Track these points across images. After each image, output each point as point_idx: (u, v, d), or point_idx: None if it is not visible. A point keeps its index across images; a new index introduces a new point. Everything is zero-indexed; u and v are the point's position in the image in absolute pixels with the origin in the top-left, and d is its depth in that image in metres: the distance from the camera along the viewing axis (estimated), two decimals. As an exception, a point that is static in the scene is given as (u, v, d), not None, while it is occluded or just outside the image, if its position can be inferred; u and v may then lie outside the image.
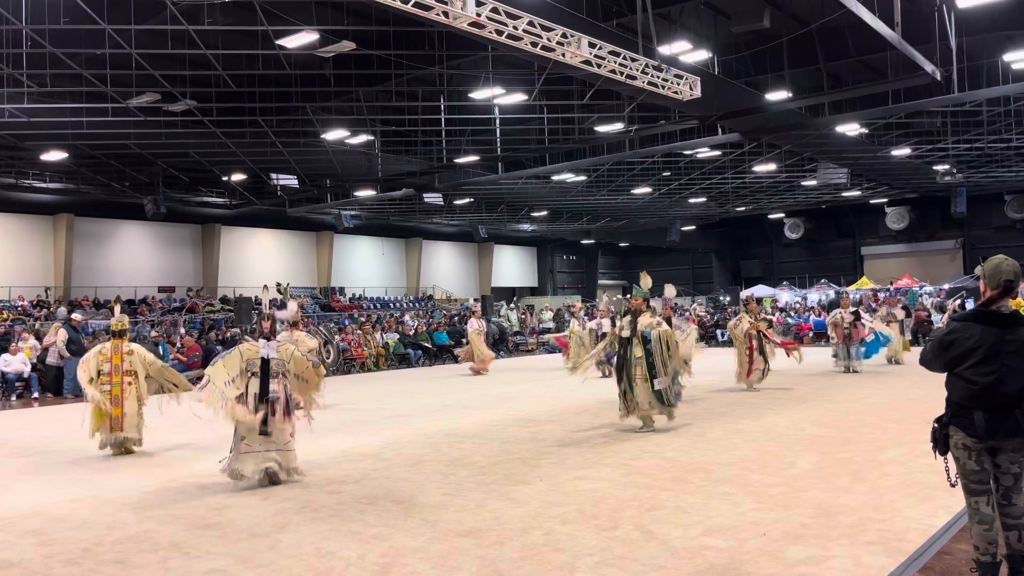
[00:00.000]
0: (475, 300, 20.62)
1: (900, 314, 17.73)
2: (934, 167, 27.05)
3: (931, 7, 14.59)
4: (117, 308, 9.67)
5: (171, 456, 8.70)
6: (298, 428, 7.29)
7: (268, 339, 7.01)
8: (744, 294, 32.56)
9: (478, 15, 9.56)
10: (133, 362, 8.95)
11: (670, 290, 12.41)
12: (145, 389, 9.03)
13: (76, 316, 17.64)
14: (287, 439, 6.99)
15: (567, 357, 18.15)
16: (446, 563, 4.65)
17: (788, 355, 14.14)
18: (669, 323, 11.86)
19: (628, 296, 9.88)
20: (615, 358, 9.67)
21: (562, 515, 5.59)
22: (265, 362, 6.92)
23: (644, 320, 9.35)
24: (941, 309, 19.64)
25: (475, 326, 19.26)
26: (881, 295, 29.91)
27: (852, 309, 16.06)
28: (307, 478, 7.11)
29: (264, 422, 6.79)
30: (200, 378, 17.52)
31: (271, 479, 6.85)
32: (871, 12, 12.57)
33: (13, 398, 15.85)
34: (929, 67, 14.74)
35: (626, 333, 9.37)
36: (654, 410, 9.24)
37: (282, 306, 8.48)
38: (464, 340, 24.58)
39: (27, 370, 16.24)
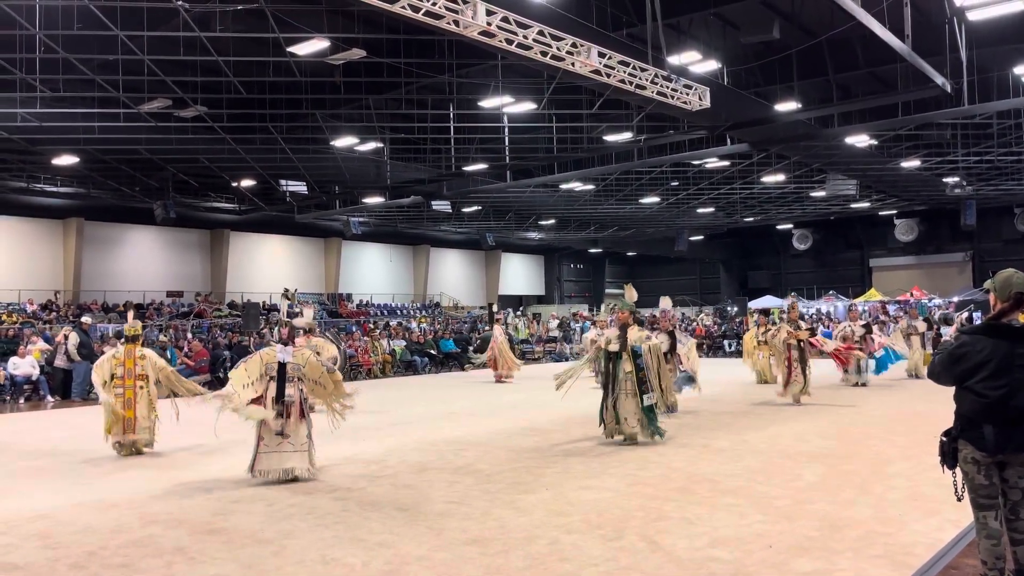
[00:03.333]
0: (497, 307, 20.51)
1: (921, 327, 17.37)
2: (943, 179, 26.97)
3: (942, 19, 14.56)
4: (131, 314, 10.11)
5: (176, 460, 8.72)
6: (315, 430, 7.55)
7: (285, 344, 7.39)
8: (753, 305, 32.47)
9: (488, 24, 9.60)
10: (145, 367, 9.24)
11: (665, 302, 12.26)
12: (155, 393, 9.29)
13: (86, 319, 17.72)
14: (303, 440, 7.29)
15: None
16: (451, 571, 4.65)
17: (843, 364, 13.39)
18: (673, 336, 11.84)
19: (615, 306, 9.50)
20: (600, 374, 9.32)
21: (567, 524, 5.57)
22: (282, 366, 7.26)
23: (634, 334, 9.02)
24: (947, 322, 19.40)
25: (498, 334, 19.20)
26: (891, 308, 29.79)
27: (863, 322, 15.83)
28: (312, 484, 7.14)
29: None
30: (209, 383, 17.75)
31: (289, 477, 7.19)
32: (881, 24, 12.56)
33: (21, 401, 15.92)
34: (939, 79, 14.71)
35: (614, 347, 9.01)
36: (640, 431, 8.89)
37: (291, 315, 8.65)
38: (472, 348, 24.69)
39: (35, 373, 16.32)
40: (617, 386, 8.97)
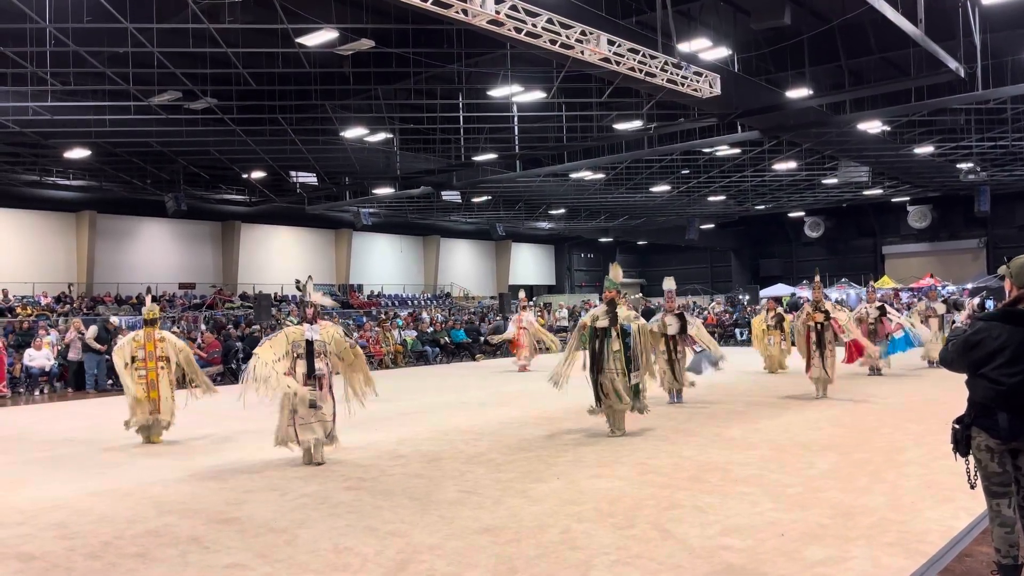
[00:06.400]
0: (524, 293, 20.86)
1: (940, 308, 16.90)
2: (957, 165, 26.74)
3: (955, 4, 14.41)
4: (148, 298, 10.37)
5: (191, 449, 8.80)
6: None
7: (311, 323, 7.85)
8: (764, 294, 32.32)
9: (497, 13, 9.56)
10: (165, 348, 9.51)
11: (669, 283, 12.17)
12: (174, 376, 9.62)
13: (113, 319, 17.84)
14: (331, 412, 7.78)
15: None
16: (463, 560, 4.66)
17: (851, 358, 12.87)
18: (683, 318, 11.77)
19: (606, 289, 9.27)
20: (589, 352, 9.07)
21: (578, 513, 5.58)
22: (310, 343, 7.72)
23: (623, 312, 8.96)
24: (956, 307, 19.09)
25: (531, 319, 19.36)
26: (904, 295, 29.59)
27: (878, 304, 15.58)
28: (325, 473, 7.20)
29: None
30: (221, 375, 17.81)
31: (323, 444, 7.71)
32: (894, 8, 12.44)
33: (37, 392, 16.06)
34: (953, 64, 14.57)
35: (603, 324, 8.89)
36: (626, 405, 8.80)
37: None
38: (483, 338, 24.73)
39: (49, 365, 16.45)
40: (605, 365, 8.84)
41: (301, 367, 7.66)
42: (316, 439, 7.66)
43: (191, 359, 9.77)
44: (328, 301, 8.52)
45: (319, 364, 7.70)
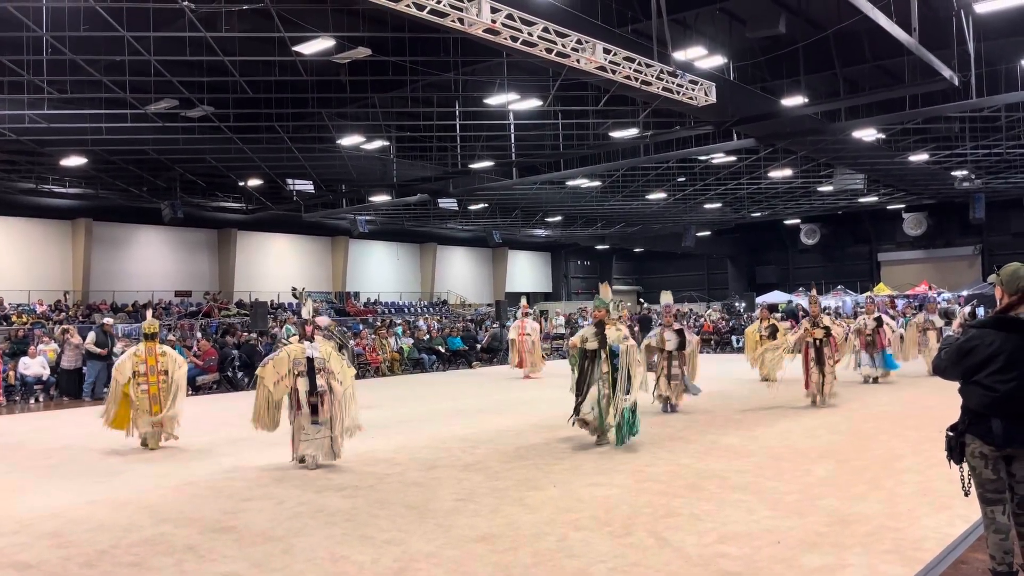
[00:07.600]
0: (526, 300, 20.95)
1: (938, 321, 17.00)
2: (952, 173, 26.84)
3: (949, 12, 14.48)
4: (149, 313, 10.53)
5: (187, 458, 8.76)
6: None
7: (310, 341, 8.01)
8: (760, 301, 32.35)
9: (493, 21, 9.59)
10: (166, 362, 9.61)
11: (667, 297, 12.07)
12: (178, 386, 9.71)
13: (108, 320, 17.79)
14: (334, 425, 7.93)
15: None
16: (460, 568, 4.66)
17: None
18: (682, 334, 11.70)
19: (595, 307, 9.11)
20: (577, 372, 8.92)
21: (576, 521, 5.58)
22: (311, 361, 7.88)
23: (612, 333, 8.74)
24: (948, 315, 19.11)
25: (535, 328, 19.31)
26: (900, 303, 29.65)
27: (876, 315, 15.56)
28: (321, 482, 7.18)
29: (315, 411, 7.80)
30: (216, 383, 17.84)
31: (322, 459, 7.85)
32: (888, 17, 12.50)
33: (32, 401, 16.00)
34: (947, 72, 14.63)
35: (592, 345, 8.73)
36: (609, 431, 8.63)
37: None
38: (480, 345, 24.74)
39: (46, 373, 16.40)
40: (593, 387, 8.70)
41: (303, 384, 7.81)
42: (317, 455, 7.77)
43: (179, 382, 9.68)
44: (326, 321, 8.59)
45: (320, 381, 7.85)
